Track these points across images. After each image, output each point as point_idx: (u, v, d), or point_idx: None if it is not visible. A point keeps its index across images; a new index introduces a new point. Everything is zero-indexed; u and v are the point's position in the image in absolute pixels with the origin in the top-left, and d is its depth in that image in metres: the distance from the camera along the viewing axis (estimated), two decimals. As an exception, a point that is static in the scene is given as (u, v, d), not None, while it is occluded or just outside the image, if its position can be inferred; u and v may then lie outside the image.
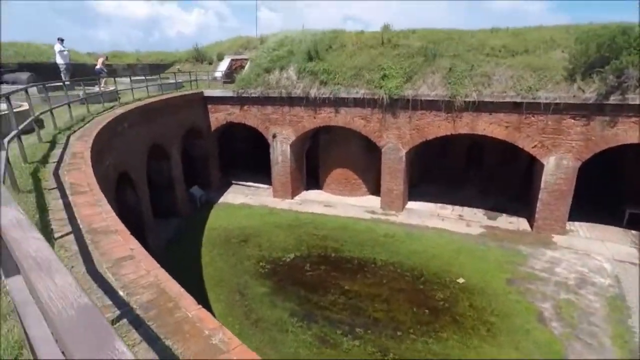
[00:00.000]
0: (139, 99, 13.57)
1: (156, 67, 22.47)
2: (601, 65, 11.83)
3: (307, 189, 17.93)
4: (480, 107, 13.16)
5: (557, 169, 12.87)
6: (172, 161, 14.92)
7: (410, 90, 13.91)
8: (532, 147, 13.03)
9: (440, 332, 8.74)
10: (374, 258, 11.96)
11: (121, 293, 2.46)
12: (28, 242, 1.14)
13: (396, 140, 14.69)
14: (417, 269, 11.26)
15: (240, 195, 17.60)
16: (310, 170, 17.98)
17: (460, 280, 10.63)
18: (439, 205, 15.83)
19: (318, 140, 17.31)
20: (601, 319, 8.99)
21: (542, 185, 13.17)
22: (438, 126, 14.02)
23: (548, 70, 12.73)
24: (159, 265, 2.78)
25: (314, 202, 16.54)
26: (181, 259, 11.72)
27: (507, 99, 12.76)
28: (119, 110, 11.28)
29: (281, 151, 16.32)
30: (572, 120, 12.33)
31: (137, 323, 2.17)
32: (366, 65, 14.71)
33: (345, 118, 15.00)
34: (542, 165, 13.15)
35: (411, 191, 16.46)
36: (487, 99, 12.96)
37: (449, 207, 15.65)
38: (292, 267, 11.72)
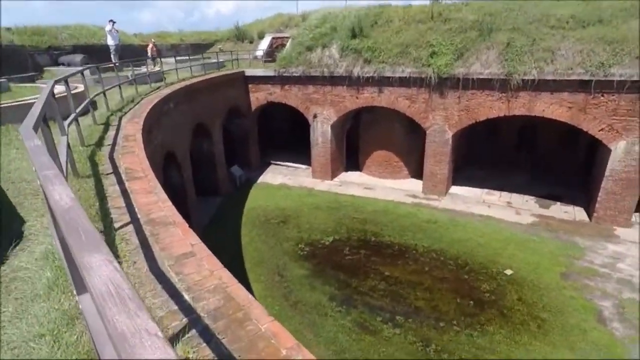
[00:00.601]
0: (183, 79, 13.76)
1: (198, 47, 22.70)
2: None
3: (347, 170, 17.66)
4: (540, 85, 12.08)
5: (627, 155, 11.67)
6: (214, 140, 15.15)
7: (461, 69, 13.01)
8: (599, 131, 11.86)
9: (486, 325, 8.38)
10: (415, 244, 11.63)
11: (187, 297, 2.38)
12: (101, 268, 0.99)
13: (443, 122, 13.94)
14: (461, 258, 10.82)
15: (279, 176, 17.69)
16: (350, 151, 17.65)
17: (508, 272, 10.09)
18: (486, 190, 15.02)
19: (359, 121, 16.85)
20: (670, 322, 8.22)
21: (608, 172, 12.05)
22: (490, 107, 13.10)
23: (625, 42, 11.33)
24: (222, 265, 2.69)
25: (354, 184, 16.28)
26: (222, 238, 12.02)
27: (574, 77, 11.59)
28: (165, 91, 11.47)
29: (321, 132, 16.06)
30: (651, 101, 11.02)
31: (207, 336, 2.06)
32: (413, 41, 13.89)
33: (389, 98, 14.39)
34: (608, 151, 11.98)
35: (455, 175, 15.73)
36: (549, 77, 11.85)
37: (497, 193, 14.81)
38: (331, 250, 11.68)
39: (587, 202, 13.52)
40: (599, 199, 12.39)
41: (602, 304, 8.84)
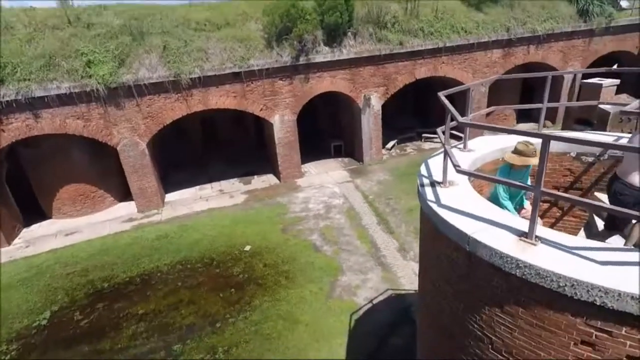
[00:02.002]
0: None
1: None
2: (287, 33, 14.31)
3: (29, 224, 13.47)
4: (206, 82, 13.43)
5: (282, 124, 15.23)
6: None
7: (128, 75, 12.37)
8: (260, 110, 14.73)
9: (252, 301, 9.30)
10: (156, 266, 10.85)
11: None
12: None
13: (131, 134, 13.05)
14: (205, 257, 11.14)
15: None
16: (22, 199, 13.44)
17: (247, 248, 11.40)
18: (198, 187, 15.74)
19: (19, 159, 12.98)
20: (349, 228, 12.08)
21: (276, 141, 15.35)
22: (172, 109, 13.41)
23: (251, 40, 14.25)
24: None
25: (48, 236, 12.75)
26: None
27: (228, 71, 13.56)
28: None
29: (-39, 188, 11.23)
30: (281, 82, 14.63)
31: None
32: (58, 51, 11.74)
33: (54, 123, 11.81)
34: (270, 125, 15.21)
35: (164, 183, 15.46)
36: (210, 73, 13.32)
37: (207, 186, 15.85)
38: (54, 327, 9.00)
39: (273, 168, 16.88)
40: (279, 162, 15.74)
41: (312, 238, 11.73)
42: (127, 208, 14.15)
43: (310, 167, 17.06)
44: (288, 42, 14.30)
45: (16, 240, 12.71)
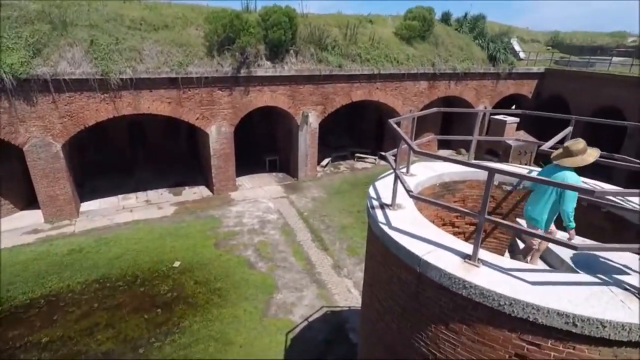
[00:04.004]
0: None
1: None
2: (229, 44, 14.10)
3: None
4: (139, 84, 12.57)
5: (219, 135, 14.79)
6: None
7: (45, 68, 11.05)
8: (196, 119, 14.14)
9: (181, 322, 8.69)
10: (67, 285, 9.58)
11: None
12: None
13: (43, 134, 11.56)
14: (128, 274, 10.16)
15: None
16: None
17: (177, 264, 10.68)
18: (121, 196, 14.40)
19: None
20: (284, 244, 12.01)
21: (212, 152, 14.82)
22: (97, 109, 12.24)
23: (191, 46, 13.75)
24: None
25: None
26: None
27: (164, 75, 12.89)
28: None
29: None
30: (220, 92, 14.28)
31: None
32: (-46, 31, 10.04)
33: (-59, 113, 9.97)
34: (206, 135, 14.65)
35: (80, 190, 13.87)
36: (144, 76, 12.52)
37: (132, 195, 14.59)
38: None
39: (205, 179, 16.18)
40: (213, 174, 15.17)
41: (247, 254, 11.43)
42: (31, 217, 12.35)
43: (245, 181, 16.72)
44: (230, 53, 14.07)
45: None
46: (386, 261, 4.22)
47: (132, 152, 17.26)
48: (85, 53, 11.74)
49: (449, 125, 21.94)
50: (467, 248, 3.64)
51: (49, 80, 11.05)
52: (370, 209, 4.67)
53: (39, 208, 12.24)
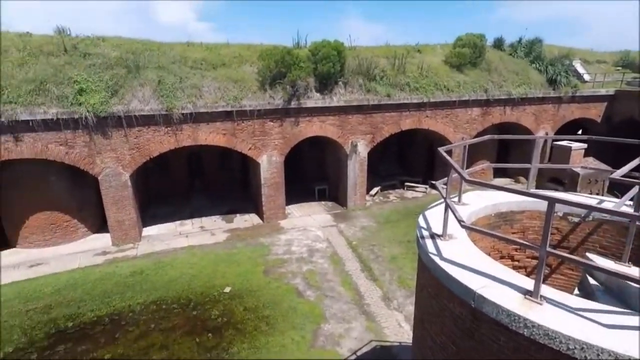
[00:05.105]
0: None
1: None
2: (281, 78, 14.85)
3: (-13, 251, 12.57)
4: (197, 118, 13.54)
5: (270, 164, 15.32)
6: None
7: (119, 106, 12.35)
8: (248, 150, 14.82)
9: (230, 348, 8.78)
10: (129, 305, 10.19)
11: None
12: None
13: (115, 164, 12.77)
14: (182, 297, 10.59)
15: None
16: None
17: (227, 289, 10.95)
18: (178, 222, 15.30)
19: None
20: (332, 274, 11.87)
21: (262, 181, 15.34)
22: (160, 142, 13.32)
23: (245, 82, 14.67)
24: None
25: (8, 267, 11.85)
26: None
27: (220, 109, 13.77)
28: None
29: None
30: (272, 123, 14.91)
31: None
32: (50, 77, 11.68)
33: (35, 147, 11.47)
34: (257, 164, 15.26)
35: (143, 216, 14.95)
36: (202, 110, 13.48)
37: (188, 221, 15.43)
38: (7, 370, 8.15)
39: (256, 208, 16.71)
40: (263, 202, 15.63)
41: (295, 282, 11.43)
42: (102, 240, 13.48)
43: (294, 209, 17.00)
44: (281, 86, 14.80)
45: (-26, 270, 11.76)
46: (438, 294, 4.02)
47: (189, 180, 18.42)
48: (153, 92, 12.99)
49: (505, 152, 20.88)
50: (528, 283, 3.37)
51: (122, 116, 12.33)
52: (420, 239, 4.52)
53: (107, 232, 13.36)
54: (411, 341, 6.63)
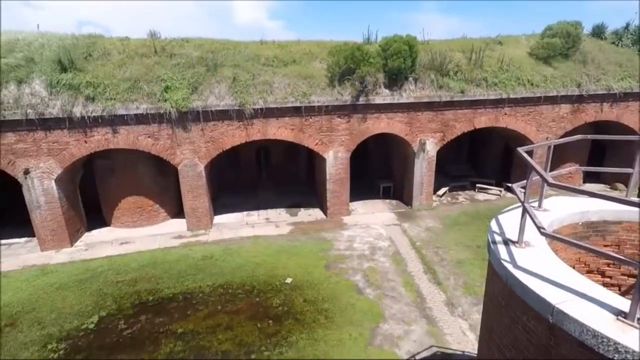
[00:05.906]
0: None
1: None
2: (349, 74, 14.78)
3: (90, 229, 14.49)
4: (267, 113, 14.05)
5: (336, 160, 15.38)
6: None
7: (198, 102, 13.31)
8: (315, 145, 15.03)
9: (289, 337, 9.04)
10: (199, 286, 11.01)
11: None
12: None
13: (192, 155, 13.82)
14: (247, 284, 11.15)
15: (-22, 261, 12.36)
16: (90, 205, 14.57)
17: (289, 280, 11.27)
18: (245, 213, 16.12)
19: (93, 168, 14.18)
20: (393, 273, 11.60)
21: (327, 176, 15.47)
22: (232, 135, 14.09)
23: (314, 78, 14.85)
24: None
25: (105, 243, 13.57)
26: None
27: (289, 104, 14.14)
28: None
29: (43, 190, 12.39)
30: (339, 119, 14.93)
31: None
32: (142, 76, 13.00)
33: (128, 138, 12.87)
34: (323, 160, 15.41)
35: (214, 205, 16.01)
36: (272, 105, 13.96)
37: (255, 212, 16.18)
38: (100, 332, 9.30)
39: (320, 203, 16.93)
40: (327, 198, 15.77)
41: (355, 279, 11.38)
42: (178, 225, 14.74)
43: (358, 206, 16.91)
44: (350, 82, 14.74)
45: (78, 243, 13.65)
46: (510, 305, 3.69)
47: (257, 173, 19.26)
48: (228, 88, 13.78)
49: (600, 155, 18.52)
50: (622, 303, 2.93)
51: (200, 111, 13.28)
52: (492, 244, 4.19)
53: (183, 217, 14.56)
54: (476, 352, 6.22)
